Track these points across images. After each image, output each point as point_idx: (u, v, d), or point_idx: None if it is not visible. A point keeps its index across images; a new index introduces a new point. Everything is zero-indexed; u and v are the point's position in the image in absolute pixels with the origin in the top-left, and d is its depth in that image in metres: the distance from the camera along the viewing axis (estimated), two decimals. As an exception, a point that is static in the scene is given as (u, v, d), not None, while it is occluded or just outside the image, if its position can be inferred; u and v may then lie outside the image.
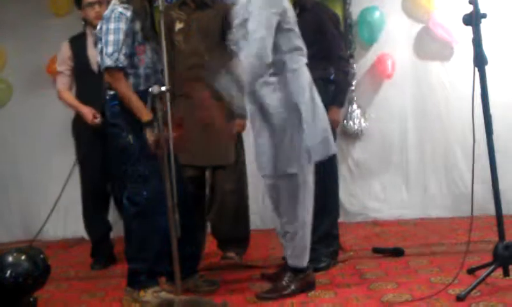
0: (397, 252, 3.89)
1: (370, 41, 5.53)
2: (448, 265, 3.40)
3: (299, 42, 3.16)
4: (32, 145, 5.65)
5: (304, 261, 3.15)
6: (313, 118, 3.09)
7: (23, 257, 2.63)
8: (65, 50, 4.26)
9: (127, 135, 2.99)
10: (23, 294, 2.62)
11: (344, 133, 5.59)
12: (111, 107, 3.06)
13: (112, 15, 2.95)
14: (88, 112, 4.07)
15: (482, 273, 2.85)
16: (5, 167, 5.69)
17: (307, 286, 3.16)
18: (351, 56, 5.65)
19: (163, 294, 3.02)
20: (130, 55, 2.99)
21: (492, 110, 2.92)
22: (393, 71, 5.42)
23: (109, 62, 2.92)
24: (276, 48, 3.02)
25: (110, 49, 2.92)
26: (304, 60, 3.17)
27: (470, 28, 2.93)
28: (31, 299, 2.65)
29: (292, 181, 3.10)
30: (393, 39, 5.58)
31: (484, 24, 2.91)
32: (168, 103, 3.10)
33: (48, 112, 5.55)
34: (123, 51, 2.94)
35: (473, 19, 2.90)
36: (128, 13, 2.97)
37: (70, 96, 4.26)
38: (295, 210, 3.12)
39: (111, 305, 3.13)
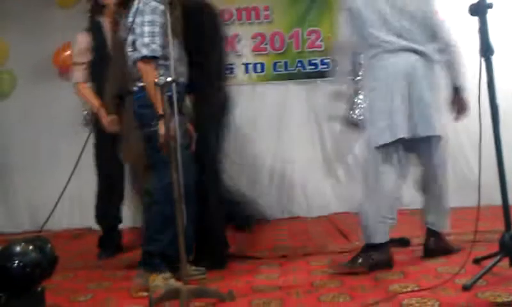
0: (402, 242, 3.89)
1: None
2: (455, 255, 3.41)
3: None
4: (37, 136, 5.68)
5: (373, 238, 3.28)
6: None
7: (30, 247, 2.64)
8: (83, 41, 4.17)
9: (155, 124, 3.03)
10: (30, 284, 2.63)
11: (350, 124, 5.58)
12: (140, 99, 3.15)
13: (147, 8, 3.05)
14: (105, 116, 4.05)
15: (489, 263, 2.85)
16: (11, 158, 5.72)
17: (380, 264, 3.25)
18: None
19: (172, 281, 3.06)
20: (164, 47, 3.07)
21: (498, 101, 2.91)
22: None
23: (145, 51, 3.03)
24: None
25: (146, 40, 3.03)
26: None
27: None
28: (39, 289, 2.66)
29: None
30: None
31: (490, 14, 2.90)
32: (174, 94, 3.10)
33: (52, 102, 5.59)
34: (159, 42, 3.03)
35: (479, 9, 2.89)
36: (162, 7, 3.05)
37: (90, 92, 4.19)
38: None
39: (118, 294, 3.14)
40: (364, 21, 3.30)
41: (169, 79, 2.84)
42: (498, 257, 2.84)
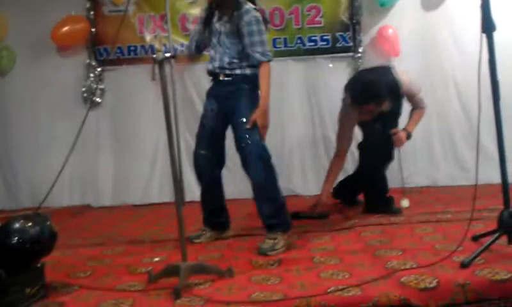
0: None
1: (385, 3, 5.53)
2: (453, 232, 3.42)
3: None
4: (36, 113, 5.66)
5: None
6: None
7: (29, 223, 2.65)
8: None
9: None
10: (30, 260, 2.64)
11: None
12: None
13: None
14: None
15: (487, 240, 2.86)
16: (10, 135, 5.70)
17: None
18: (358, 23, 5.62)
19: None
20: None
21: (499, 77, 2.89)
22: (396, 48, 5.43)
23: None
24: None
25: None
26: None
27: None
28: (38, 265, 2.67)
29: None
30: (400, 8, 5.54)
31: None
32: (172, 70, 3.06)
33: (52, 79, 5.55)
34: None
35: (481, -15, 2.87)
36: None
37: None
38: None
39: (118, 271, 3.15)
40: None
41: (167, 55, 2.81)
42: (497, 234, 2.86)
